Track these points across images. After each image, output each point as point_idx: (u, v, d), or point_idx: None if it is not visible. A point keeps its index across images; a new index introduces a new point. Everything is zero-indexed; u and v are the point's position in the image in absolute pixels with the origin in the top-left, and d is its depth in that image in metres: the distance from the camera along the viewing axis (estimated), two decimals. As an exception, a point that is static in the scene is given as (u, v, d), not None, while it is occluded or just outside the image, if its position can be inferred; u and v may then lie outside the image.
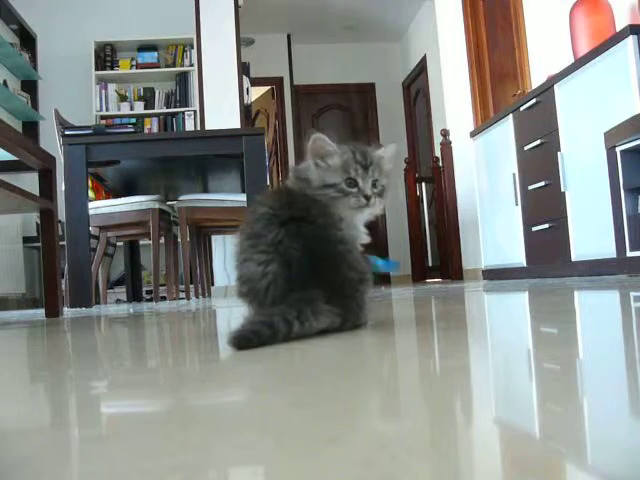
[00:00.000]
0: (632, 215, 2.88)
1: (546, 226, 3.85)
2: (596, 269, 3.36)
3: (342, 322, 0.97)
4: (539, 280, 3.63)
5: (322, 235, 0.99)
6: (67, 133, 3.45)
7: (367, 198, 1.03)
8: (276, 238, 0.98)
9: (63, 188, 3.26)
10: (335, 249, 0.99)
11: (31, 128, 6.07)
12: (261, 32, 7.59)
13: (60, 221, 3.54)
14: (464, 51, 6.01)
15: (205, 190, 4.53)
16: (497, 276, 4.60)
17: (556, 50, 4.41)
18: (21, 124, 6.06)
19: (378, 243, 7.64)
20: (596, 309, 1.36)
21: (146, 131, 6.04)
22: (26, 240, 5.59)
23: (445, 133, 6.08)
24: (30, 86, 6.13)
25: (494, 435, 0.38)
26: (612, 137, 2.92)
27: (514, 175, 4.24)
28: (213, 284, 5.40)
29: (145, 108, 6.22)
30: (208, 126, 5.59)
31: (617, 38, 3.08)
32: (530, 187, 4.01)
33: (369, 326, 1.05)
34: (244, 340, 0.85)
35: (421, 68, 7.40)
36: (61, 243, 2.83)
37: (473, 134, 4.94)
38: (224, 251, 5.59)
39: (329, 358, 0.76)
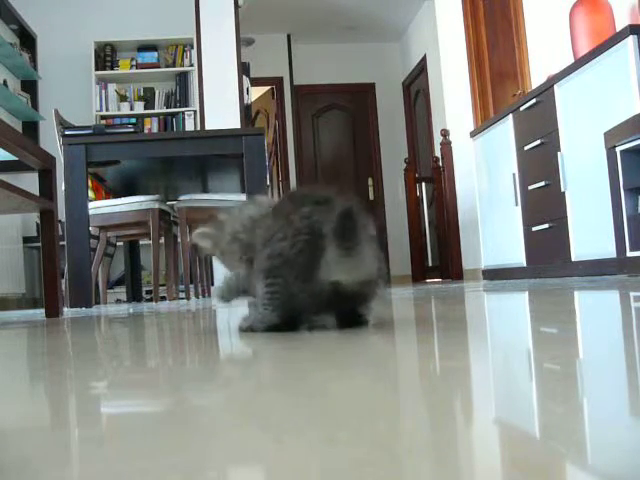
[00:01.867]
0: (632, 215, 2.88)
1: (546, 226, 3.85)
2: (596, 269, 3.36)
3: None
4: (539, 280, 3.63)
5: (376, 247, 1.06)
6: (67, 133, 3.45)
7: None
8: (338, 229, 0.95)
9: (63, 188, 3.26)
10: (380, 266, 1.05)
11: (31, 128, 6.07)
12: (261, 32, 7.59)
13: (60, 221, 3.54)
14: (464, 51, 6.01)
15: (205, 190, 4.53)
16: (497, 276, 4.60)
17: (556, 50, 4.41)
18: (21, 124, 6.06)
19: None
20: (596, 309, 1.36)
21: (146, 131, 6.04)
22: (26, 240, 5.59)
23: (445, 133, 6.08)
24: (30, 86, 6.13)
25: (494, 435, 0.38)
26: (612, 137, 2.92)
27: (514, 175, 4.24)
28: (213, 284, 5.39)
29: (145, 108, 6.22)
30: (208, 126, 5.59)
31: (617, 38, 3.08)
32: (530, 187, 4.01)
33: (369, 325, 1.06)
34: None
35: (421, 68, 7.40)
36: (61, 243, 2.82)
37: (473, 134, 4.94)
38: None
39: (329, 357, 0.76)
